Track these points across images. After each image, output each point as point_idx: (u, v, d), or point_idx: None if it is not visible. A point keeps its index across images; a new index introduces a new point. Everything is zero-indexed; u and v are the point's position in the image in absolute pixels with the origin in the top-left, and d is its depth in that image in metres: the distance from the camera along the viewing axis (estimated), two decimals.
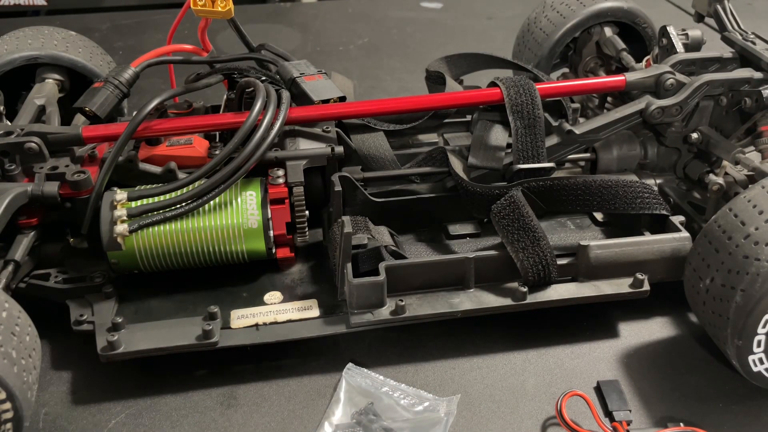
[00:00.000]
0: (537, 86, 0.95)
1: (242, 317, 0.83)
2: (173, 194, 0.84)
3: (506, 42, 1.40)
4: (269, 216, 0.86)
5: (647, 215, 0.91)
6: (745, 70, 0.98)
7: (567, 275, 0.87)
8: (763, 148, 0.94)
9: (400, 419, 0.77)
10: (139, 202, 0.83)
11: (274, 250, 0.88)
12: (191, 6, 0.96)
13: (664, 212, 0.89)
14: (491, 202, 0.87)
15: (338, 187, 0.86)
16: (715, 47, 1.06)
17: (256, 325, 0.82)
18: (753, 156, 0.93)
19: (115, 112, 0.96)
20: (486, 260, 0.85)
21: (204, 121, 0.91)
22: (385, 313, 0.82)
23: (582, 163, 1.02)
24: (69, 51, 1.08)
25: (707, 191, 0.90)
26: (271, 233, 0.87)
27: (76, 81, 1.10)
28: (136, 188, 0.86)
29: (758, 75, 0.97)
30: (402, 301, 0.82)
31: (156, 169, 0.89)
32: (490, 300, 0.84)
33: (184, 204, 0.83)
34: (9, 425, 0.66)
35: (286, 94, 0.90)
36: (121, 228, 0.81)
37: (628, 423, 0.76)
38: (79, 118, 1.00)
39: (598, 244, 0.85)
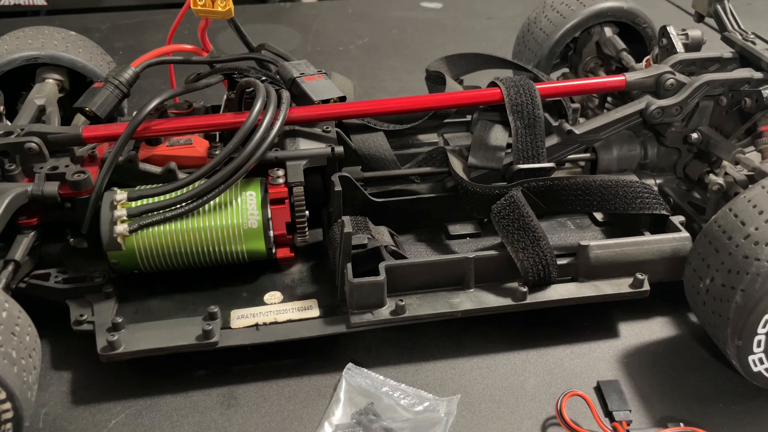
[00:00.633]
0: (537, 86, 0.95)
1: (242, 317, 0.83)
2: (173, 194, 0.84)
3: (506, 42, 1.40)
4: (269, 216, 0.86)
5: (647, 215, 0.91)
6: (745, 70, 0.98)
7: (567, 275, 0.87)
8: (763, 148, 0.94)
9: (400, 419, 0.77)
10: (139, 202, 0.83)
11: (274, 250, 0.88)
12: (191, 6, 0.96)
13: (664, 212, 0.89)
14: (491, 202, 0.87)
15: (338, 187, 0.86)
16: (715, 47, 1.06)
17: (256, 325, 0.82)
18: (753, 156, 0.93)
19: (115, 112, 0.96)
20: (486, 260, 0.85)
21: (204, 121, 0.91)
22: (385, 313, 0.82)
23: (582, 163, 1.02)
24: (69, 51, 1.08)
25: (707, 191, 0.90)
26: (271, 233, 0.87)
27: (76, 81, 1.10)
28: (136, 188, 0.86)
29: (758, 75, 0.97)
30: (402, 301, 0.82)
31: (156, 169, 0.89)
32: (490, 300, 0.84)
33: (184, 204, 0.83)
34: (9, 425, 0.66)
35: (286, 94, 0.90)
36: (121, 228, 0.81)
37: (628, 423, 0.76)
38: (79, 118, 1.00)
39: (598, 244, 0.85)
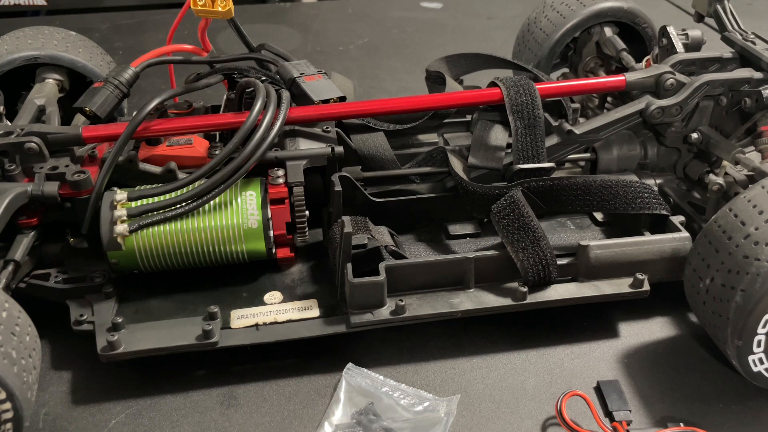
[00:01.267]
0: (537, 86, 0.95)
1: (242, 317, 0.83)
2: (173, 194, 0.84)
3: (506, 42, 1.40)
4: (269, 216, 0.86)
5: (647, 215, 0.91)
6: (745, 70, 0.98)
7: (567, 275, 0.87)
8: (763, 148, 0.94)
9: (400, 419, 0.77)
10: (139, 202, 0.83)
11: (274, 250, 0.88)
12: (191, 6, 0.96)
13: (664, 212, 0.89)
14: (491, 202, 0.88)
15: (338, 187, 0.86)
16: (715, 47, 1.06)
17: (256, 325, 0.82)
18: (753, 156, 0.93)
19: (115, 112, 0.96)
20: (486, 260, 0.85)
21: (204, 121, 0.91)
22: (385, 313, 0.82)
23: (582, 163, 1.02)
24: (69, 51, 1.08)
25: (707, 191, 0.90)
26: (271, 233, 0.87)
27: (76, 81, 1.10)
28: (136, 188, 0.86)
29: (758, 75, 0.97)
30: (402, 301, 0.82)
31: (156, 169, 0.89)
32: (490, 300, 0.84)
33: (184, 204, 0.83)
34: (9, 425, 0.66)
35: (286, 94, 0.90)
36: (121, 228, 0.81)
37: (628, 423, 0.76)
38: (79, 118, 1.00)
39: (598, 244, 0.85)
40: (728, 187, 0.88)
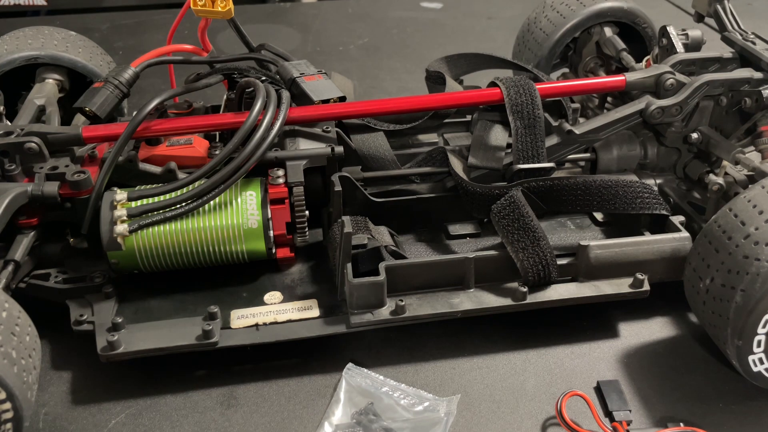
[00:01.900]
0: (537, 86, 0.95)
1: (242, 317, 0.83)
2: (173, 194, 0.84)
3: (506, 42, 1.40)
4: (269, 216, 0.86)
5: (647, 215, 0.91)
6: (745, 70, 0.98)
7: (567, 275, 0.87)
8: (763, 148, 0.94)
9: (400, 419, 0.77)
10: (139, 202, 0.83)
11: (274, 250, 0.88)
12: (191, 6, 0.96)
13: (664, 212, 0.89)
14: (491, 202, 0.88)
15: (338, 187, 0.86)
16: (715, 47, 1.06)
17: (256, 325, 0.82)
18: (753, 156, 0.93)
19: (115, 112, 0.96)
20: (486, 260, 0.85)
21: (204, 121, 0.91)
22: (385, 313, 0.82)
23: (582, 163, 1.02)
24: (69, 51, 1.08)
25: (707, 191, 0.90)
26: (271, 233, 0.87)
27: (76, 81, 1.10)
28: (136, 188, 0.86)
29: (758, 75, 0.97)
30: (402, 301, 0.82)
31: (156, 169, 0.89)
32: (490, 300, 0.84)
33: (184, 204, 0.83)
34: (9, 425, 0.66)
35: (286, 94, 0.90)
36: (121, 228, 0.81)
37: (628, 423, 0.76)
38: (79, 118, 1.00)
39: (598, 244, 0.85)
40: (728, 187, 0.88)
